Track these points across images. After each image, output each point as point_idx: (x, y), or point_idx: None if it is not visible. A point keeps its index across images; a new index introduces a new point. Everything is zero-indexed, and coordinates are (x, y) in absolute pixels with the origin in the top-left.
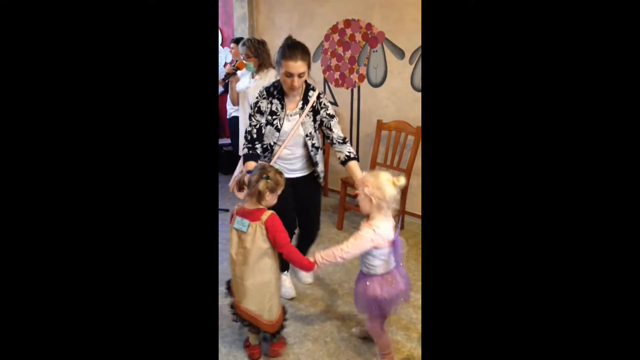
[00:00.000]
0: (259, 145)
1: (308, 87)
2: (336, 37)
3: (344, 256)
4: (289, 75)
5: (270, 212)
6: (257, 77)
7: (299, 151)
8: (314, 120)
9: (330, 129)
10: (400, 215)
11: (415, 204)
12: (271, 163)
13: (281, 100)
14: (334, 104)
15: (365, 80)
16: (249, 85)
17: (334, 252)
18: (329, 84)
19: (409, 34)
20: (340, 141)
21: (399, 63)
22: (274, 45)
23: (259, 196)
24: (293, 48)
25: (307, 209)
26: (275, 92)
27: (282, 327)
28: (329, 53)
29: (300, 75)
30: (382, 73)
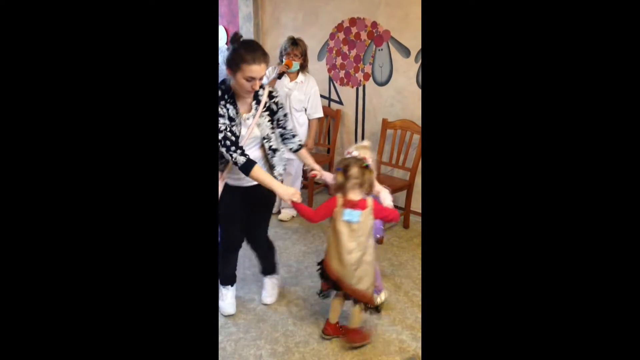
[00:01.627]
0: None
1: None
2: (341, 35)
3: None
4: (251, 79)
5: (370, 197)
6: (299, 79)
7: (254, 154)
8: (271, 121)
9: (284, 128)
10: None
11: (420, 203)
12: (224, 174)
13: (234, 105)
14: (339, 102)
15: (371, 78)
16: (291, 87)
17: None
18: (334, 82)
19: (414, 32)
20: (294, 134)
21: (405, 61)
22: (279, 44)
23: (370, 185)
24: (254, 50)
25: (253, 225)
26: (226, 97)
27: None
28: (334, 52)
29: (260, 78)
30: (387, 72)
